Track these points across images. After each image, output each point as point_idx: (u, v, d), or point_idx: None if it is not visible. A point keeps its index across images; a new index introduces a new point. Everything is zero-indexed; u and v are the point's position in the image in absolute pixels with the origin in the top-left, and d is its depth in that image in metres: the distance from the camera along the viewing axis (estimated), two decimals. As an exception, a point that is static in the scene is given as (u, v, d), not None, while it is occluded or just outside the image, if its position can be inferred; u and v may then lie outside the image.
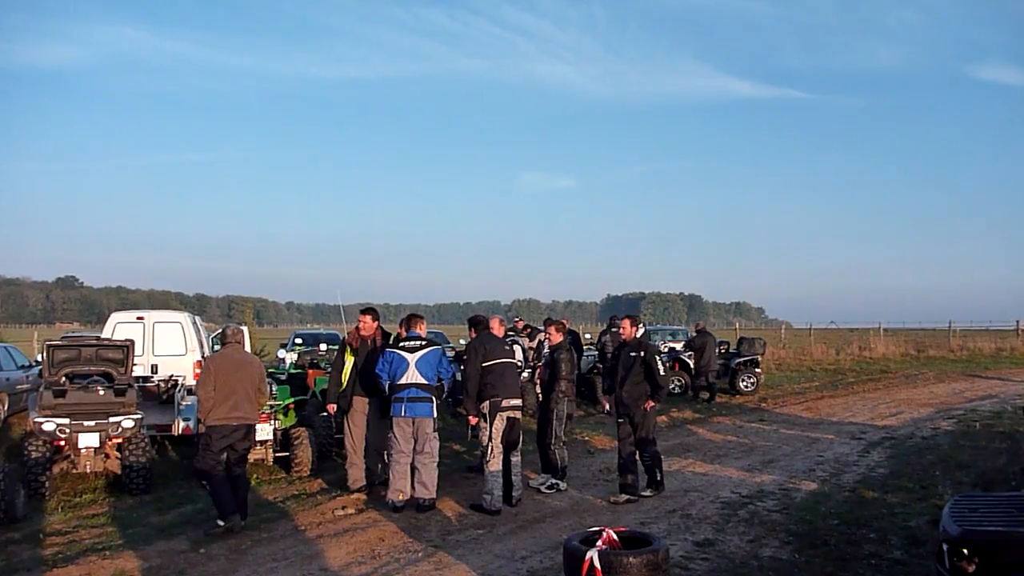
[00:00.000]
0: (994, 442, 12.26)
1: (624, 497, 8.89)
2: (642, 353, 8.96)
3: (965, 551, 3.97)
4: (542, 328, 14.29)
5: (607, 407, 9.78)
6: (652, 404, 8.99)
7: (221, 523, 7.57)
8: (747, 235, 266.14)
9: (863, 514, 8.30)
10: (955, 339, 35.15)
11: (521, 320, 19.00)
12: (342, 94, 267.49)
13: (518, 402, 8.96)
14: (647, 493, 8.95)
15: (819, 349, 31.30)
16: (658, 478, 9.05)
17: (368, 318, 9.60)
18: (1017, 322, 38.43)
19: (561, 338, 10.10)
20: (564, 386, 9.72)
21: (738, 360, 19.47)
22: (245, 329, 17.71)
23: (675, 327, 32.47)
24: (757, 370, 19.70)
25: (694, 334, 20.33)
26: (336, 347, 11.26)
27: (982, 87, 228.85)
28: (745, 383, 19.38)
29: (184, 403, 11.55)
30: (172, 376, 12.50)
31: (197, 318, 16.33)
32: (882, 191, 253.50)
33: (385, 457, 9.25)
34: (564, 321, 11.23)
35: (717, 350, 20.17)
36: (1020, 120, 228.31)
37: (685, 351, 19.29)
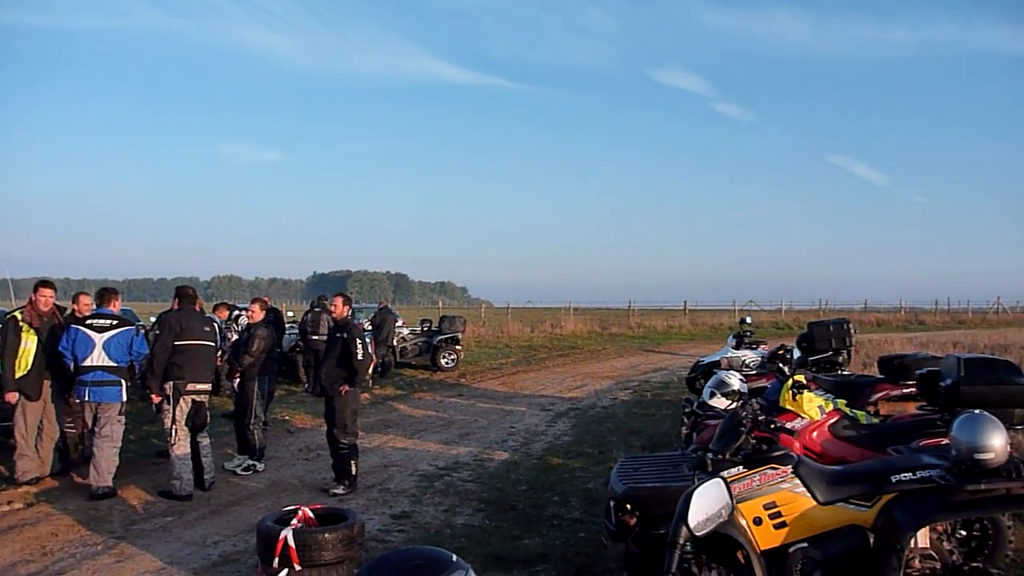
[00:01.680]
0: (662, 409, 13.68)
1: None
2: (344, 335, 8.71)
3: (628, 506, 4.41)
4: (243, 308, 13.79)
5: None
6: (346, 388, 8.58)
7: None
8: (453, 216, 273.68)
9: (549, 479, 8.93)
10: (634, 317, 38.61)
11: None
12: (22, 43, 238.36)
13: (206, 386, 8.50)
14: (339, 491, 8.37)
15: (516, 327, 32.91)
16: (353, 472, 8.54)
17: (48, 292, 8.67)
18: (685, 302, 43.18)
19: (263, 315, 9.78)
20: (246, 362, 9.37)
21: (440, 337, 20.00)
22: None
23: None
24: (458, 347, 20.35)
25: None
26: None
27: (663, 90, 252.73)
28: (446, 360, 19.96)
29: None
30: None
31: None
32: (577, 182, 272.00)
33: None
34: (265, 299, 10.92)
35: (422, 327, 20.63)
36: (692, 122, 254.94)
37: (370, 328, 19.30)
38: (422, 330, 20.58)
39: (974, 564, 4.48)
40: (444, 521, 7.41)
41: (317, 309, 15.90)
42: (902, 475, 4.48)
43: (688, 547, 4.20)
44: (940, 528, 4.82)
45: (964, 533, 5.63)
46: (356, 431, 8.85)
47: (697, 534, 2.31)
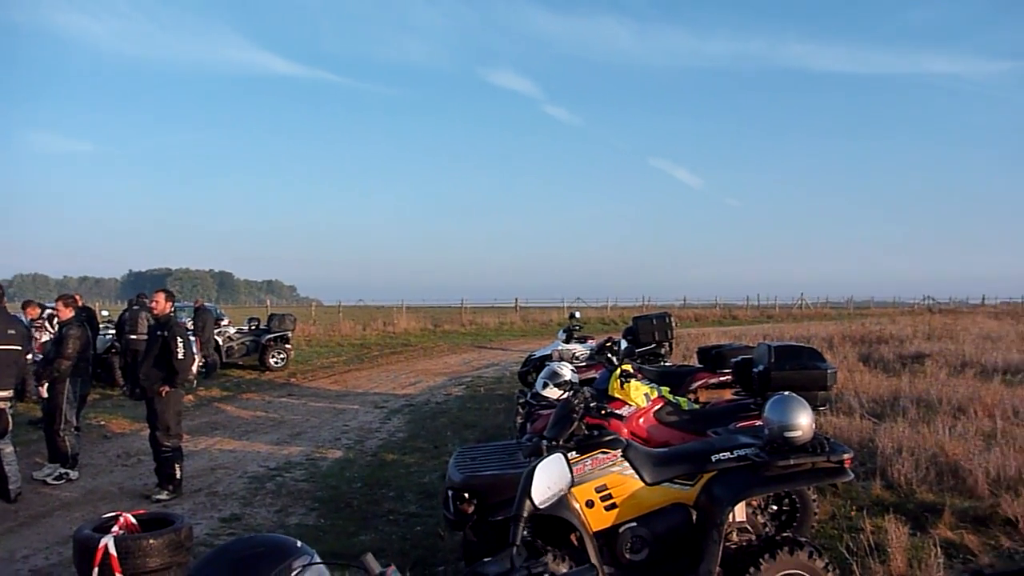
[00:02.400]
0: (495, 403, 13.89)
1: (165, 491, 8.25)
2: (165, 332, 8.31)
3: (466, 495, 4.47)
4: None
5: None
6: (167, 389, 8.20)
7: None
8: (279, 213, 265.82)
9: (384, 475, 8.89)
10: (466, 315, 38.93)
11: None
12: None
13: (6, 393, 7.81)
14: (163, 496, 8.00)
15: (347, 325, 32.42)
16: (177, 476, 8.22)
17: None
18: (516, 300, 43.94)
19: (71, 313, 9.15)
20: (65, 366, 8.77)
21: (268, 336, 19.42)
22: None
23: (209, 304, 31.24)
24: (287, 346, 19.82)
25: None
26: None
27: (495, 91, 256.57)
28: (275, 359, 19.40)
29: None
30: None
31: None
32: (407, 180, 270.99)
33: None
34: (76, 296, 10.25)
35: (249, 326, 19.97)
36: (523, 124, 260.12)
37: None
38: (249, 329, 19.90)
39: (784, 535, 4.83)
40: (276, 522, 7.23)
41: (136, 307, 15.07)
42: (720, 455, 4.77)
43: (526, 532, 4.31)
44: (754, 503, 5.17)
45: (776, 508, 6.09)
46: (180, 433, 8.48)
47: (541, 507, 2.39)
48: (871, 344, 21.19)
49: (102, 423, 12.11)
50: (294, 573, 1.94)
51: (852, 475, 4.78)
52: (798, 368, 6.64)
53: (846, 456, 4.64)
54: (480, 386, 16.70)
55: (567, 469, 2.52)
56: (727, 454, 4.78)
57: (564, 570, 4.27)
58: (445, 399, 15.07)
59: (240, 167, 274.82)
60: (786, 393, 4.87)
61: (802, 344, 7.29)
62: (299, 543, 2.03)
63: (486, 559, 1.87)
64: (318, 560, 1.98)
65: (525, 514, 2.49)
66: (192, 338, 8.72)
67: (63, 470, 8.76)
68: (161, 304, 8.44)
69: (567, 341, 13.76)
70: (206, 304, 19.07)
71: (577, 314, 15.83)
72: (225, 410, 13.85)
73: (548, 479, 2.44)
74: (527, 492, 2.42)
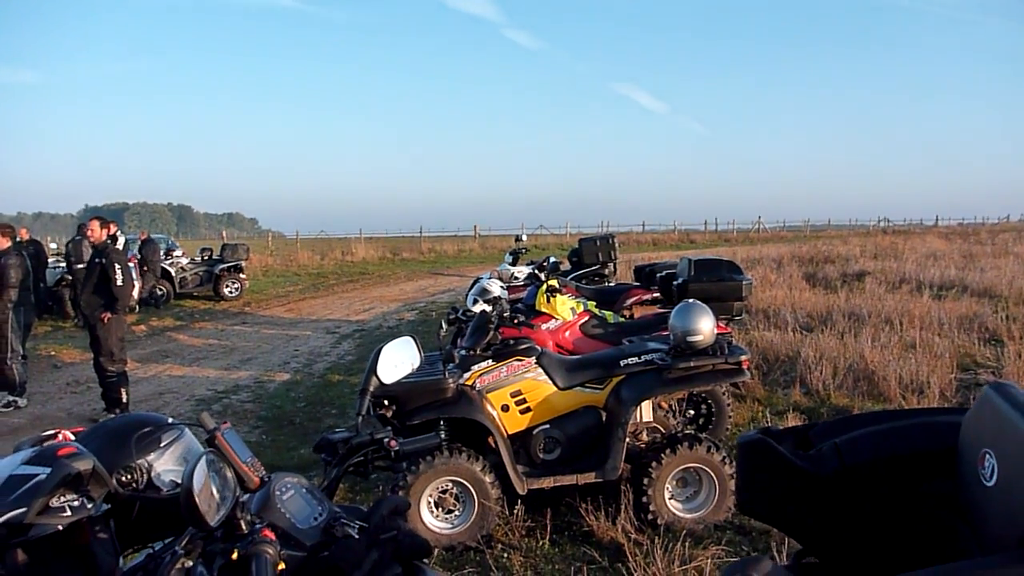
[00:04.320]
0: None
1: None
2: (103, 260, 8.34)
3: (385, 401, 4.71)
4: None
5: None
6: (108, 315, 8.30)
7: None
8: (241, 144, 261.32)
9: (328, 395, 9.14)
10: (425, 243, 39.05)
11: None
12: None
13: None
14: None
15: (305, 255, 32.38)
16: (123, 400, 8.36)
17: None
18: (475, 227, 44.09)
19: (8, 243, 9.15)
20: (13, 295, 8.82)
21: (222, 266, 19.41)
22: None
23: (160, 235, 31.00)
24: (241, 275, 19.82)
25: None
26: None
27: (453, 15, 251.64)
28: (229, 289, 19.42)
29: None
30: None
31: None
32: (368, 106, 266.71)
33: None
34: (23, 230, 10.22)
35: (202, 256, 19.92)
36: (483, 49, 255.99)
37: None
38: (202, 259, 19.85)
39: (687, 432, 5.14)
40: (219, 440, 7.44)
41: (78, 238, 15.03)
42: (629, 360, 5.06)
43: (443, 433, 4.58)
44: (665, 405, 5.49)
45: (692, 412, 6.43)
46: (125, 359, 8.61)
47: (386, 382, 2.62)
48: (818, 264, 21.72)
49: (53, 353, 12.18)
50: (163, 443, 2.17)
51: (748, 375, 5.09)
52: (715, 280, 6.94)
53: (743, 358, 4.93)
54: (433, 311, 16.92)
55: (416, 351, 2.73)
56: (634, 359, 5.06)
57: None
58: (397, 323, 15.29)
59: (199, 97, 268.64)
60: (690, 301, 5.13)
61: (720, 257, 7.57)
62: (171, 419, 2.26)
63: (336, 428, 2.09)
64: (188, 433, 2.22)
65: (371, 389, 2.74)
66: (131, 265, 8.77)
67: (11, 398, 8.89)
68: (96, 232, 8.48)
69: (513, 264, 13.97)
70: (153, 236, 18.96)
71: (524, 237, 16.05)
72: (177, 339, 13.96)
73: (395, 358, 2.65)
74: (373, 370, 2.65)
